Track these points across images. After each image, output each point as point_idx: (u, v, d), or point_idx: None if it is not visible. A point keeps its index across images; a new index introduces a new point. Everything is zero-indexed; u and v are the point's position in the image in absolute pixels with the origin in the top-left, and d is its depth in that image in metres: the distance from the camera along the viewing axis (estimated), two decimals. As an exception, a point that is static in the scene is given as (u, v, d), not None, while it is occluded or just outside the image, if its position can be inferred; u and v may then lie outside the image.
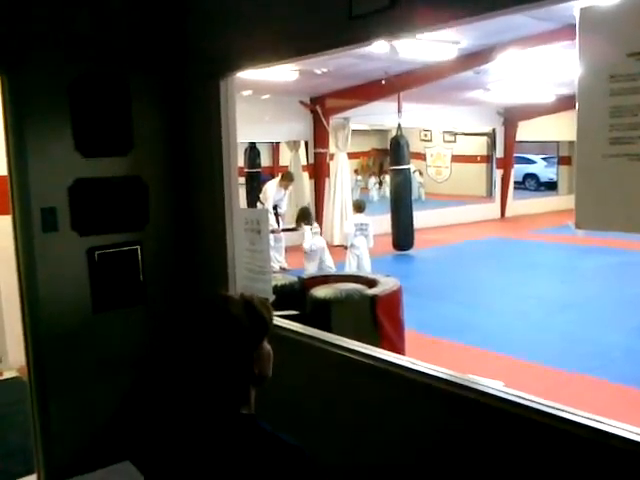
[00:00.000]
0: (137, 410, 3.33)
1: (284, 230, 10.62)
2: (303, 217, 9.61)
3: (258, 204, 11.16)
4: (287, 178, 11.22)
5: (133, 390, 3.34)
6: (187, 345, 1.48)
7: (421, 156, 23.92)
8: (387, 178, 23.32)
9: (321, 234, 9.84)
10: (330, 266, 9.35)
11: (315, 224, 9.71)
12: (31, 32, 2.95)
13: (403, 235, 12.74)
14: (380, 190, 22.92)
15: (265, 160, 19.69)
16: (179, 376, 1.50)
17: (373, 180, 23.64)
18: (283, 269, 10.40)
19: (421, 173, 23.26)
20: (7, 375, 5.14)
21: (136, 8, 3.26)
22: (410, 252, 12.78)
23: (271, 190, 10.92)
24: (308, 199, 13.75)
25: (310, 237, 9.34)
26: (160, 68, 3.36)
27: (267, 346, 1.54)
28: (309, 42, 2.55)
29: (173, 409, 1.51)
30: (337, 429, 2.67)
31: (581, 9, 1.66)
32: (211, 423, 1.45)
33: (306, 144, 14.04)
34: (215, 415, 1.46)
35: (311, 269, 9.27)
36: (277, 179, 11.51)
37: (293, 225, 9.89)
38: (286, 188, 11.12)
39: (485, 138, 21.58)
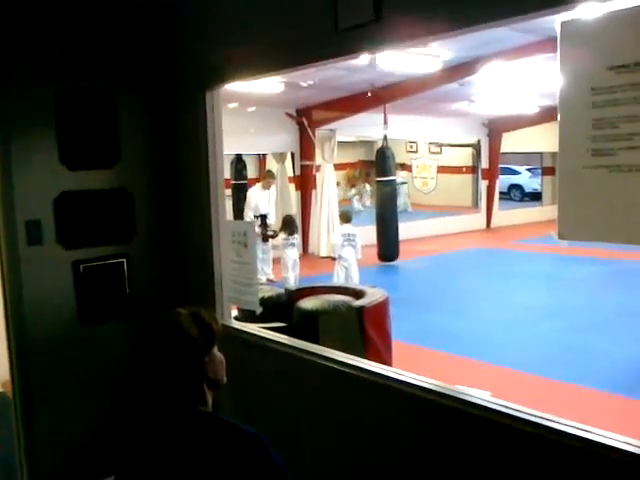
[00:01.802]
0: (118, 424, 3.30)
1: (270, 236, 10.48)
2: (286, 225, 9.70)
3: (245, 212, 10.98)
4: (268, 175, 11.31)
5: (115, 404, 3.31)
6: (144, 356, 1.63)
7: (407, 167, 24.04)
8: (367, 187, 23.70)
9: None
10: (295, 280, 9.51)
11: (294, 235, 9.77)
12: (17, 45, 2.94)
13: (389, 246, 12.77)
14: (360, 201, 23.06)
15: (251, 172, 19.69)
16: (140, 384, 1.63)
17: (353, 191, 23.77)
18: (270, 281, 10.40)
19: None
20: (-10, 390, 5.07)
21: (123, 20, 3.26)
22: (396, 263, 12.81)
23: (255, 195, 10.88)
24: (294, 210, 13.77)
25: (281, 246, 9.50)
26: (147, 80, 3.36)
27: (218, 353, 1.71)
28: (295, 55, 2.57)
29: (138, 416, 1.62)
30: (324, 440, 2.66)
31: (562, 22, 1.69)
32: (170, 420, 1.59)
33: (292, 156, 14.07)
34: (173, 413, 1.59)
35: (291, 279, 9.41)
36: (259, 184, 11.54)
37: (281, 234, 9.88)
38: (269, 187, 11.08)
39: (470, 149, 21.73)
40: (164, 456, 1.55)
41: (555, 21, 1.73)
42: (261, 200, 10.80)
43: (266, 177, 11.34)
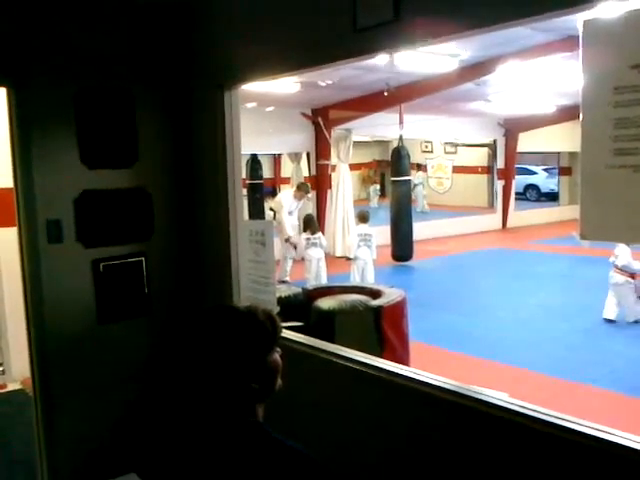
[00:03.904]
0: (142, 422, 3.32)
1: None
2: (307, 225, 9.69)
3: (283, 214, 10.90)
4: (303, 189, 11.15)
5: (138, 401, 3.34)
6: (190, 354, 1.49)
7: (422, 167, 23.98)
8: (375, 187, 23.87)
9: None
10: (323, 279, 9.42)
11: (317, 234, 9.73)
12: (37, 46, 2.98)
13: (403, 246, 12.74)
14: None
15: (266, 171, 19.75)
16: (187, 383, 1.49)
17: (372, 188, 24.06)
18: (283, 282, 10.37)
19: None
20: (11, 387, 5.13)
21: (141, 21, 3.28)
22: (410, 263, 12.78)
23: (286, 200, 10.86)
24: (310, 210, 13.79)
25: (303, 246, 9.47)
26: (165, 80, 3.38)
27: (274, 358, 1.56)
28: (314, 54, 2.57)
29: (179, 417, 1.51)
30: (341, 439, 2.66)
31: (584, 21, 1.68)
32: (218, 429, 1.45)
33: (308, 155, 14.09)
34: (222, 421, 1.46)
35: (311, 279, 9.36)
36: (292, 189, 11.50)
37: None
38: (300, 199, 11.08)
39: (486, 149, 21.62)
40: (208, 466, 1.43)
41: (575, 20, 1.72)
42: (291, 207, 10.76)
43: (300, 189, 11.02)
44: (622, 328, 7.76)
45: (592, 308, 8.33)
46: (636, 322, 7.89)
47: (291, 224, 10.63)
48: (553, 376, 6.06)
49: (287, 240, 10.30)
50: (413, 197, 17.38)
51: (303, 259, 9.93)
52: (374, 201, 23.17)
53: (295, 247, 10.23)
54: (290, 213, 10.69)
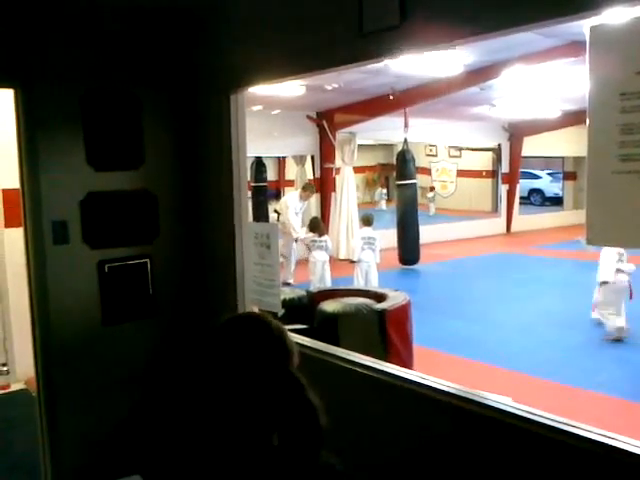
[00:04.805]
0: (147, 423, 3.33)
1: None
2: (314, 227, 9.72)
3: (288, 216, 10.85)
4: (308, 189, 11.21)
5: (143, 402, 3.34)
6: (226, 364, 1.41)
7: (426, 171, 23.98)
8: (381, 191, 24.07)
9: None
10: (327, 282, 9.43)
11: (324, 237, 9.74)
12: (44, 48, 2.99)
13: (410, 250, 12.74)
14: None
15: (271, 174, 19.78)
16: (207, 396, 1.40)
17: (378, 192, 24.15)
18: (287, 283, 10.39)
19: (432, 189, 23.33)
20: (14, 387, 5.14)
21: (147, 24, 3.30)
22: (416, 267, 12.79)
23: (291, 201, 10.90)
24: (314, 213, 13.81)
25: (310, 248, 9.49)
26: (171, 83, 3.39)
27: None
28: (319, 58, 2.57)
29: (187, 419, 1.47)
30: (344, 444, 2.66)
31: (591, 27, 1.68)
32: (228, 431, 1.39)
33: (312, 158, 14.11)
34: (233, 423, 1.39)
35: (315, 281, 9.36)
36: (297, 191, 11.55)
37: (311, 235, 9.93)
38: (306, 199, 11.13)
39: (490, 153, 21.62)
40: (209, 469, 1.39)
41: (581, 26, 1.73)
42: (297, 208, 10.83)
43: (306, 190, 11.16)
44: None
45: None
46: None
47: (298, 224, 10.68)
48: (556, 381, 6.05)
49: (297, 240, 10.35)
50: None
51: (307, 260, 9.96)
52: (382, 204, 23.20)
53: (309, 248, 10.27)
54: (296, 214, 10.73)
